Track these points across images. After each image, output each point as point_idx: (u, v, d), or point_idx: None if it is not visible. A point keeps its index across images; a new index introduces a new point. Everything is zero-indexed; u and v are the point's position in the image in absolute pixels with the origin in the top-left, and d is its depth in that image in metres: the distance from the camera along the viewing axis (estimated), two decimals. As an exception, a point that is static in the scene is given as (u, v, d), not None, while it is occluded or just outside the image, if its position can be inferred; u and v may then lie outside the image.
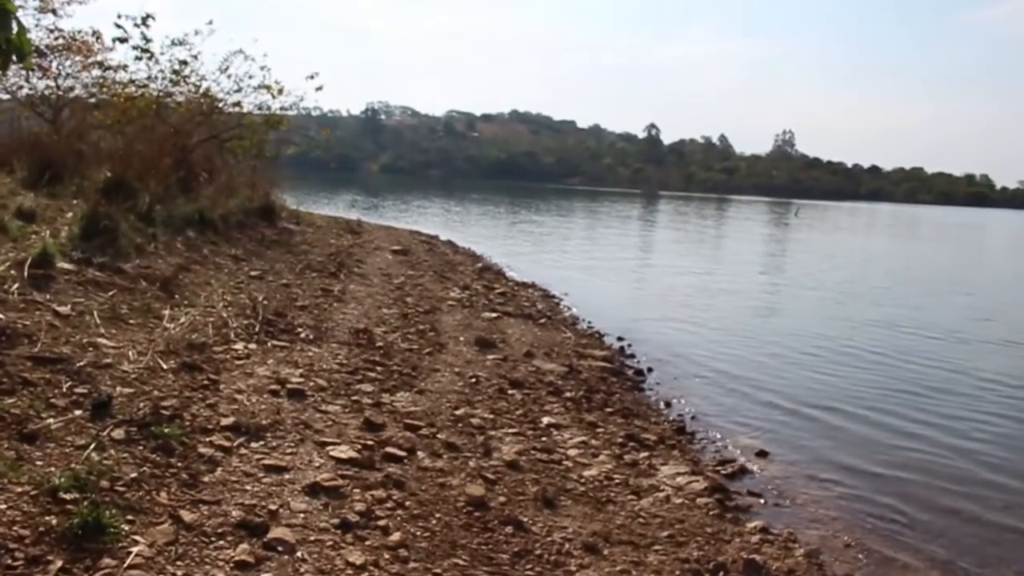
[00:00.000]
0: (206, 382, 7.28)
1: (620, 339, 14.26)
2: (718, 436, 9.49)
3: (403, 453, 6.68)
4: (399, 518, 5.59)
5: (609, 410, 9.50)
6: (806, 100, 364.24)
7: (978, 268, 37.58)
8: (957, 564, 6.75)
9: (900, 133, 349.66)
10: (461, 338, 11.66)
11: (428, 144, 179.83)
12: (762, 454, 8.93)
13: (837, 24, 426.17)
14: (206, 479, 5.48)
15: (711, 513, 6.88)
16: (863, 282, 26.69)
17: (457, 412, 8.17)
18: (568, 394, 9.76)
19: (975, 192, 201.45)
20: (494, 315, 14.01)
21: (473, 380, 9.49)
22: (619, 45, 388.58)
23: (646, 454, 8.13)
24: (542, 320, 14.53)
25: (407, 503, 5.83)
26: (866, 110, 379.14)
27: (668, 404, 10.65)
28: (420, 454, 6.82)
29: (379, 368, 9.13)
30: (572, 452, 7.74)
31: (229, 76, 18.91)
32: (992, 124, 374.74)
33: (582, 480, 7.10)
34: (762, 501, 7.60)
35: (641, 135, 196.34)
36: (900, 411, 10.99)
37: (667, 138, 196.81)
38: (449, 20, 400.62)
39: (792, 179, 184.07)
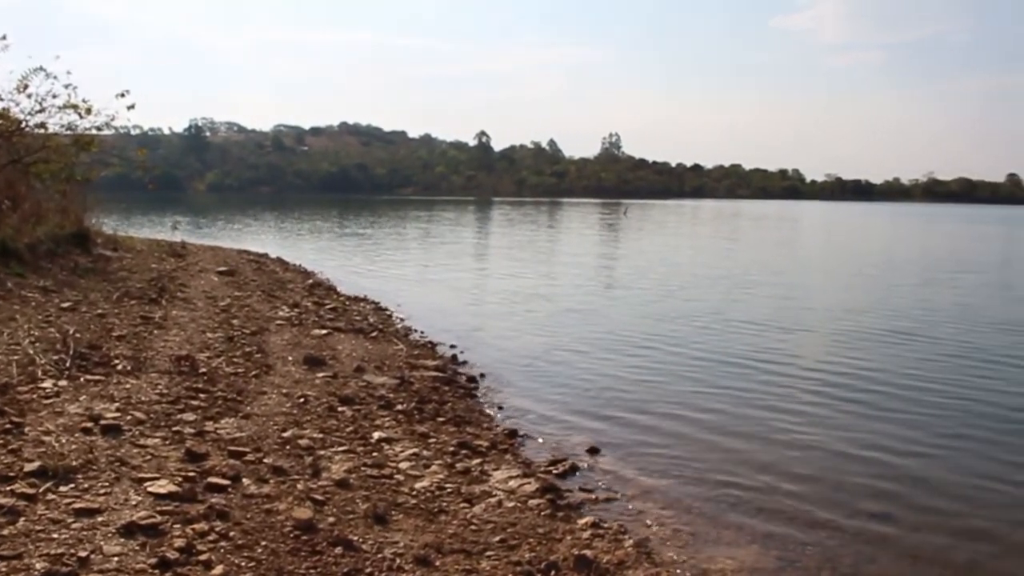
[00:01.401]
0: (8, 426, 6.85)
1: (453, 347, 14.34)
2: (550, 436, 9.68)
3: (227, 482, 6.48)
4: (222, 550, 5.41)
5: (441, 419, 9.53)
6: (630, 104, 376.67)
7: (792, 259, 39.84)
8: (776, 536, 7.12)
9: (720, 132, 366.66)
10: (290, 357, 11.44)
11: (256, 160, 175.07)
12: (593, 451, 9.17)
13: (654, 29, 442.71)
14: (5, 532, 5.14)
15: (543, 513, 7.00)
16: (684, 279, 27.78)
17: (285, 434, 8.00)
18: (400, 407, 9.73)
19: (789, 186, 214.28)
20: (324, 332, 13.81)
21: (302, 400, 9.32)
22: (446, 54, 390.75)
23: (478, 460, 8.19)
24: (373, 333, 14.43)
25: (231, 533, 5.65)
26: (686, 111, 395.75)
27: (501, 408, 10.79)
28: (245, 481, 6.63)
29: (202, 395, 8.83)
30: (404, 465, 7.72)
31: (29, 96, 17.88)
32: (800, 122, 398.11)
33: (414, 492, 7.09)
34: (593, 497, 7.79)
35: (472, 143, 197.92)
36: (720, 403, 11.46)
37: (498, 145, 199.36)
38: (272, 32, 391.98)
39: (620, 180, 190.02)
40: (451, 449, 8.41)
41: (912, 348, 15.62)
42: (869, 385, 12.65)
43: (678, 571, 6.36)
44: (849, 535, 7.24)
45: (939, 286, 26.75)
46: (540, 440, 9.53)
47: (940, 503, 8.07)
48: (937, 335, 16.92)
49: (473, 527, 6.54)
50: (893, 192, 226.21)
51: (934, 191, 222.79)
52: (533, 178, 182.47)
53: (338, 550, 5.70)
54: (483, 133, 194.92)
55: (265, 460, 7.19)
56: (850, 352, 15.16)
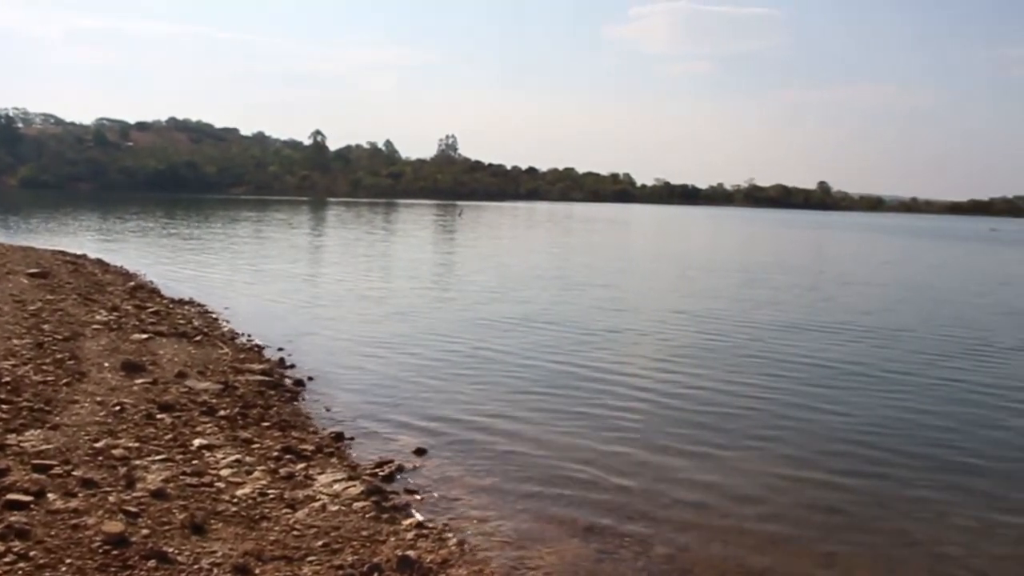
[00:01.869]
0: None
1: (280, 350, 14.07)
2: (377, 439, 9.67)
3: (29, 498, 6.15)
4: (20, 572, 5.14)
5: (266, 424, 9.36)
6: (466, 105, 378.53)
7: (621, 261, 41.10)
8: (596, 529, 7.37)
9: (554, 136, 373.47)
10: (106, 364, 10.94)
11: (76, 155, 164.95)
12: (420, 452, 9.21)
13: (490, 33, 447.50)
14: None
15: (368, 516, 6.99)
16: (515, 281, 28.19)
17: (97, 444, 7.66)
18: (223, 412, 9.48)
19: (620, 189, 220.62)
20: (145, 336, 13.27)
21: (117, 408, 8.94)
22: (282, 51, 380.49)
23: (303, 465, 8.09)
24: (198, 337, 13.98)
25: (31, 553, 5.37)
26: (522, 114, 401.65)
27: (328, 411, 10.70)
28: (51, 496, 6.32)
29: (4, 406, 8.32)
30: (225, 472, 7.54)
31: None
32: (632, 128, 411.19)
33: (235, 500, 6.93)
34: (419, 497, 7.84)
35: (307, 142, 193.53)
36: (545, 404, 11.71)
37: (333, 145, 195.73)
38: (92, 20, 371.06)
39: (456, 182, 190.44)
40: (275, 454, 8.27)
41: (728, 348, 16.49)
42: (687, 382, 13.29)
43: (501, 567, 6.49)
44: (665, 524, 7.58)
45: (757, 287, 28.32)
46: (367, 442, 9.50)
47: (751, 490, 8.57)
48: (753, 336, 17.92)
49: (295, 533, 6.46)
50: (717, 197, 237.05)
51: (754, 196, 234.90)
52: (369, 179, 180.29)
53: (151, 563, 5.52)
54: (318, 132, 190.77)
55: (74, 473, 6.86)
56: (669, 352, 15.80)
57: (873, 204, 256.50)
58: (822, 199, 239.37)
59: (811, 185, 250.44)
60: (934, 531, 7.80)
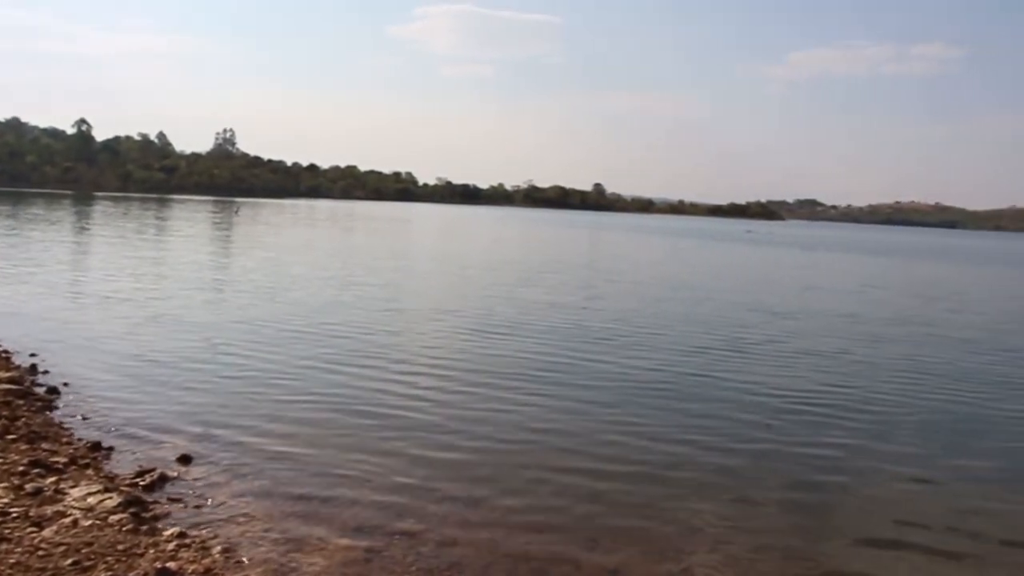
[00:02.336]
0: None
1: (33, 356, 13.11)
2: (139, 447, 9.20)
3: None
4: None
5: (11, 437, 8.70)
6: (245, 99, 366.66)
7: (400, 260, 41.15)
8: (366, 529, 7.36)
9: (337, 132, 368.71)
10: None
11: None
12: (185, 459, 8.86)
13: (272, 24, 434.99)
14: None
15: (125, 529, 6.66)
16: (289, 281, 27.64)
17: None
18: (-40, 426, 8.71)
19: (402, 188, 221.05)
20: None
21: None
22: (41, 28, 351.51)
23: (54, 479, 7.59)
24: (-72, 345, 12.76)
25: None
26: (304, 109, 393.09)
27: (85, 420, 10.07)
28: None
29: None
30: (-42, 492, 6.94)
31: None
32: (416, 126, 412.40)
33: (-31, 522, 6.40)
34: (182, 506, 7.55)
35: (70, 131, 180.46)
36: (314, 408, 11.59)
37: (100, 135, 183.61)
38: None
39: (234, 177, 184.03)
40: (21, 469, 7.72)
41: (500, 348, 16.87)
42: (461, 380, 13.51)
43: (267, 572, 6.36)
44: (435, 519, 7.69)
45: (533, 286, 29.19)
46: (128, 452, 9.02)
47: (518, 483, 8.85)
48: (527, 335, 18.49)
49: (41, 552, 6.06)
50: (498, 197, 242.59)
51: (533, 196, 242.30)
52: (140, 172, 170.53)
53: None
54: (83, 121, 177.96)
55: None
56: (444, 352, 15.98)
57: (644, 206, 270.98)
58: (597, 200, 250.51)
59: (587, 187, 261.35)
60: (688, 511, 8.29)
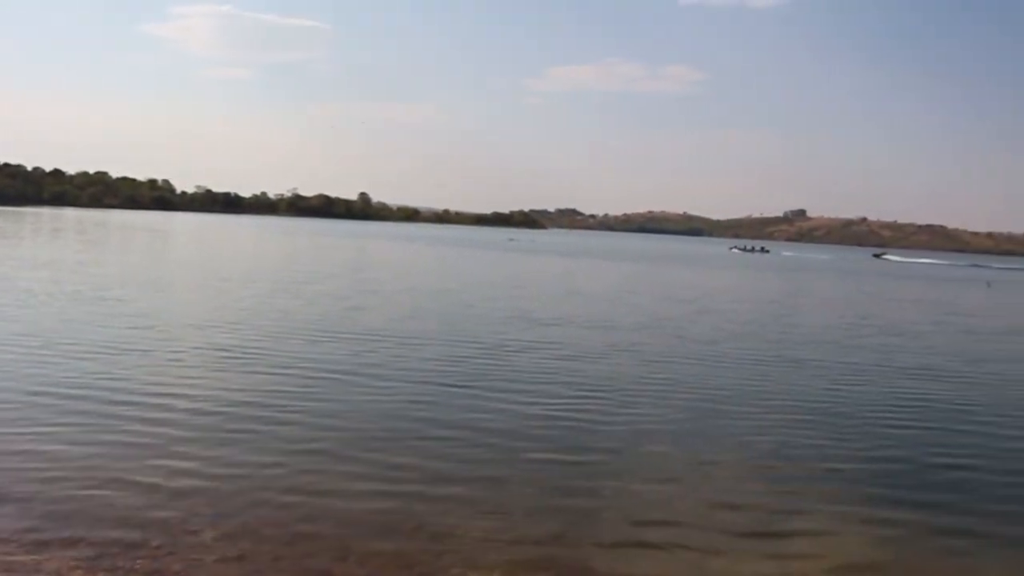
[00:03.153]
0: None
1: None
2: None
3: None
4: None
5: None
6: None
7: (151, 272, 39.54)
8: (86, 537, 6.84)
9: (86, 134, 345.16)
10: None
11: None
12: None
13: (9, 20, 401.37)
14: None
15: None
16: (18, 297, 25.25)
17: None
18: None
19: (159, 196, 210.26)
20: None
21: None
22: None
23: None
24: None
25: None
26: (47, 108, 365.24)
27: None
28: None
29: None
30: None
31: None
32: (171, 130, 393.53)
33: None
34: None
35: None
36: (30, 438, 10.76)
37: None
38: None
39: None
40: None
41: (254, 358, 16.43)
42: (205, 394, 13.05)
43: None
44: (183, 548, 7.29)
45: (286, 296, 28.58)
46: None
47: (273, 507, 8.43)
48: (283, 346, 18.06)
49: None
50: (261, 206, 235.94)
51: (298, 206, 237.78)
52: None
53: None
54: None
55: None
56: (191, 372, 15.08)
57: (410, 215, 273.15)
58: (363, 209, 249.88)
59: (353, 196, 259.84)
60: (444, 525, 8.13)
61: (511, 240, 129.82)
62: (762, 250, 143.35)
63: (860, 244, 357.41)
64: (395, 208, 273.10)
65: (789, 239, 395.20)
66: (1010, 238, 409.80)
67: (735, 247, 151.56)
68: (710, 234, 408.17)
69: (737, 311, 33.68)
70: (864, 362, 20.56)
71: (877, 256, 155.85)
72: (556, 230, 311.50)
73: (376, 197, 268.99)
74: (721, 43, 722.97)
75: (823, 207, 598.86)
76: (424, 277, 43.25)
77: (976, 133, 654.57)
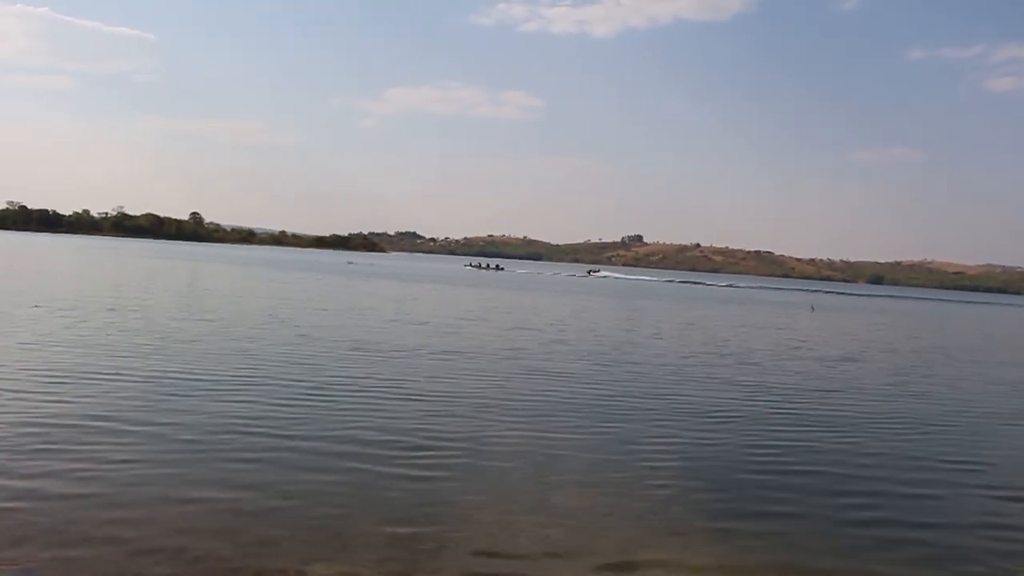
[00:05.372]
0: None
1: None
2: None
3: None
4: None
5: None
6: None
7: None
8: None
9: None
10: None
11: None
12: None
13: None
14: None
15: None
16: None
17: None
18: None
19: None
20: None
21: None
22: None
23: None
24: None
25: None
26: None
27: None
28: None
29: None
30: None
31: None
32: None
33: None
34: None
35: None
36: None
37: None
38: None
39: None
40: None
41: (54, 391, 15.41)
42: None
43: None
44: None
45: (113, 327, 26.87)
46: None
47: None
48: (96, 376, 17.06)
49: None
50: (83, 224, 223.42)
51: (124, 225, 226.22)
52: None
53: None
54: None
55: None
56: None
57: (245, 236, 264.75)
58: (195, 230, 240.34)
59: (184, 215, 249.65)
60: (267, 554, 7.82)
61: (350, 264, 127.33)
62: (496, 267, 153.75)
63: (694, 269, 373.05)
64: (229, 229, 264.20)
65: (626, 264, 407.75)
66: (829, 265, 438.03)
67: (469, 264, 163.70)
68: (549, 258, 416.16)
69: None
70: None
71: (590, 273, 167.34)
72: (396, 254, 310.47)
73: (208, 217, 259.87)
74: (560, 71, 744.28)
75: (659, 233, 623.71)
76: (256, 302, 41.09)
77: (801, 166, 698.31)
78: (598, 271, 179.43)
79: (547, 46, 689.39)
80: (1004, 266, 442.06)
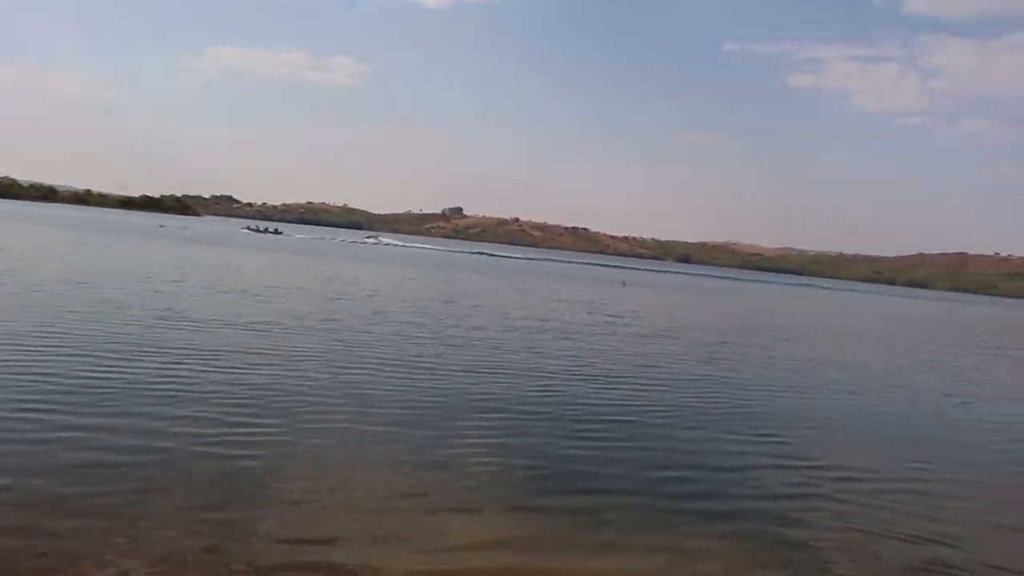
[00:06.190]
0: None
1: None
2: None
3: None
4: None
5: None
6: None
7: None
8: None
9: None
10: None
11: None
12: None
13: None
14: None
15: None
16: None
17: None
18: None
19: None
20: None
21: None
22: None
23: None
24: None
25: None
26: None
27: None
28: None
29: None
30: None
31: None
32: None
33: None
34: None
35: None
36: None
37: None
38: None
39: None
40: None
41: None
42: None
43: None
44: None
45: None
46: None
47: None
48: None
49: None
50: None
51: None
52: None
53: None
54: None
55: None
56: None
57: (45, 193, 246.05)
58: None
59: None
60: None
61: (161, 227, 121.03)
62: (276, 231, 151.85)
63: (513, 243, 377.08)
64: (27, 185, 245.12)
65: (446, 236, 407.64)
66: (642, 243, 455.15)
67: (247, 227, 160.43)
68: (369, 227, 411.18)
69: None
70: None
71: (369, 239, 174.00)
72: (211, 218, 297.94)
73: (2, 171, 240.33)
74: (390, 39, 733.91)
75: (480, 207, 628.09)
76: (57, 266, 38.01)
77: (622, 144, 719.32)
78: (377, 239, 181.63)
79: (377, 15, 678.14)
80: (799, 249, 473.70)
